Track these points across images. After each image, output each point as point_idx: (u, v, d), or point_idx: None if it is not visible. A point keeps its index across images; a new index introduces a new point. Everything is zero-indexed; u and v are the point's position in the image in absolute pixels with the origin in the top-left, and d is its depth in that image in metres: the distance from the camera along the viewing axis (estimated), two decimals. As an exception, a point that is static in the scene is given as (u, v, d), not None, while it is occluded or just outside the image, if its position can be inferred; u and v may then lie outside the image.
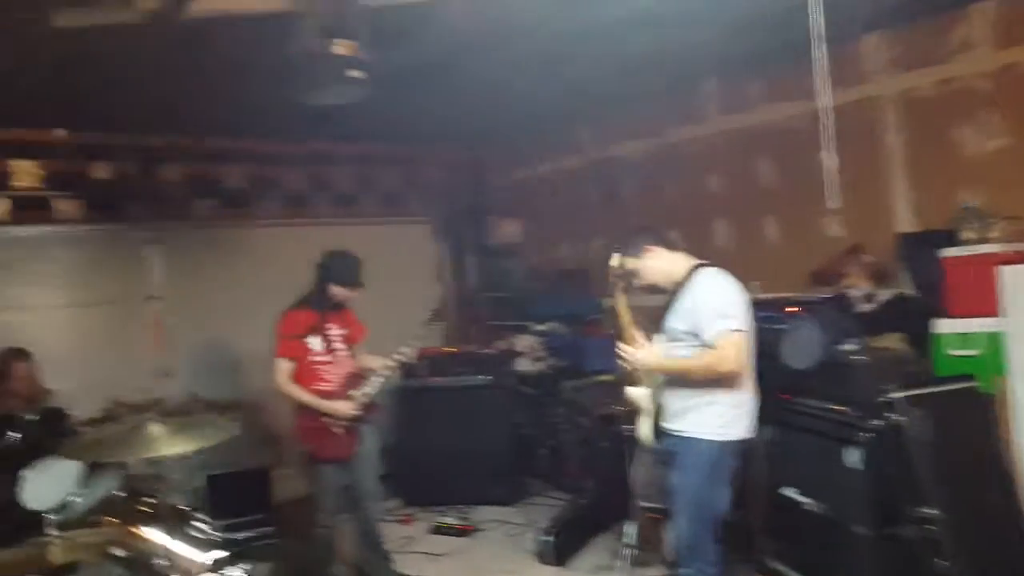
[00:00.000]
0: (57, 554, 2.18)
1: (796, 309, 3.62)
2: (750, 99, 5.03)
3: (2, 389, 4.31)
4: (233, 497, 4.72)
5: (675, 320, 3.07)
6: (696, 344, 2.99)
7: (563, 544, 4.37)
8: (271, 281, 5.83)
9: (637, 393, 3.29)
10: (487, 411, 5.50)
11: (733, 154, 5.20)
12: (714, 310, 2.95)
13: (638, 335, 3.21)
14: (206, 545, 2.85)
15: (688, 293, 3.06)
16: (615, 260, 3.24)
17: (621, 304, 3.24)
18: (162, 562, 2.66)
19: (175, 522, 2.65)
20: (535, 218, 6.95)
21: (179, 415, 3.18)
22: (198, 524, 2.87)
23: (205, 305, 5.68)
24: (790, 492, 3.45)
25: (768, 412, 3.24)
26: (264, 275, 5.87)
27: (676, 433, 3.11)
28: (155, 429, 2.55)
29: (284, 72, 2.94)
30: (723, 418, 3.02)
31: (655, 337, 3.20)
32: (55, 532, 2.23)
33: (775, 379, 3.31)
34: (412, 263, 6.78)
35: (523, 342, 6.35)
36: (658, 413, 3.20)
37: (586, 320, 6.23)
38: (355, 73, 2.82)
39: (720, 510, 3.08)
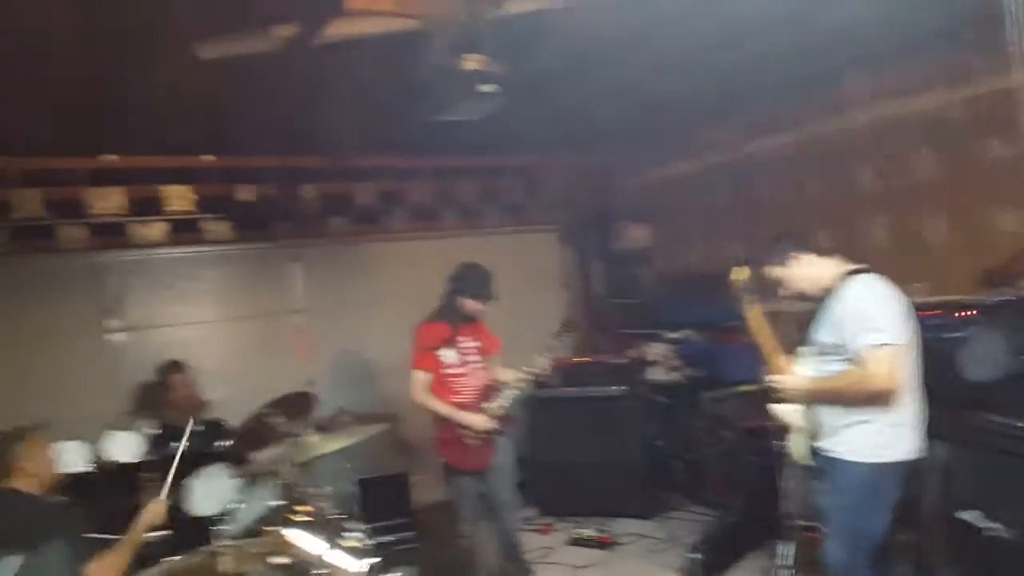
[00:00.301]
0: (227, 563, 2.26)
1: (971, 313, 3.27)
2: (903, 86, 4.65)
3: (162, 399, 4.61)
4: (377, 502, 4.85)
5: (823, 332, 2.87)
6: (845, 358, 2.78)
7: (711, 563, 4.18)
8: (401, 293, 6.01)
9: (785, 410, 3.08)
10: (621, 421, 5.37)
11: (885, 146, 4.82)
12: (862, 322, 2.71)
13: (783, 358, 3.00)
14: (360, 553, 2.89)
15: (837, 303, 2.84)
16: (738, 273, 3.02)
17: (755, 321, 3.00)
18: (321, 570, 2.72)
19: (331, 530, 2.70)
20: (664, 222, 6.75)
21: (331, 428, 3.27)
22: (353, 532, 2.93)
23: (342, 317, 5.88)
24: (970, 516, 3.12)
25: (942, 428, 2.95)
26: (394, 287, 6.04)
27: (828, 454, 2.91)
28: (312, 439, 2.62)
29: (414, 90, 2.95)
30: (879, 438, 2.79)
31: (802, 350, 2.98)
32: (225, 541, 2.30)
33: (949, 391, 3.01)
34: (538, 272, 6.75)
35: (655, 350, 6.18)
36: (812, 430, 2.98)
37: (722, 327, 5.99)
38: (487, 87, 2.80)
39: (877, 536, 2.86)
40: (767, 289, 3.15)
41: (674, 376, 5.99)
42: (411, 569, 4.71)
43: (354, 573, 2.83)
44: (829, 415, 2.89)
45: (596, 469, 5.33)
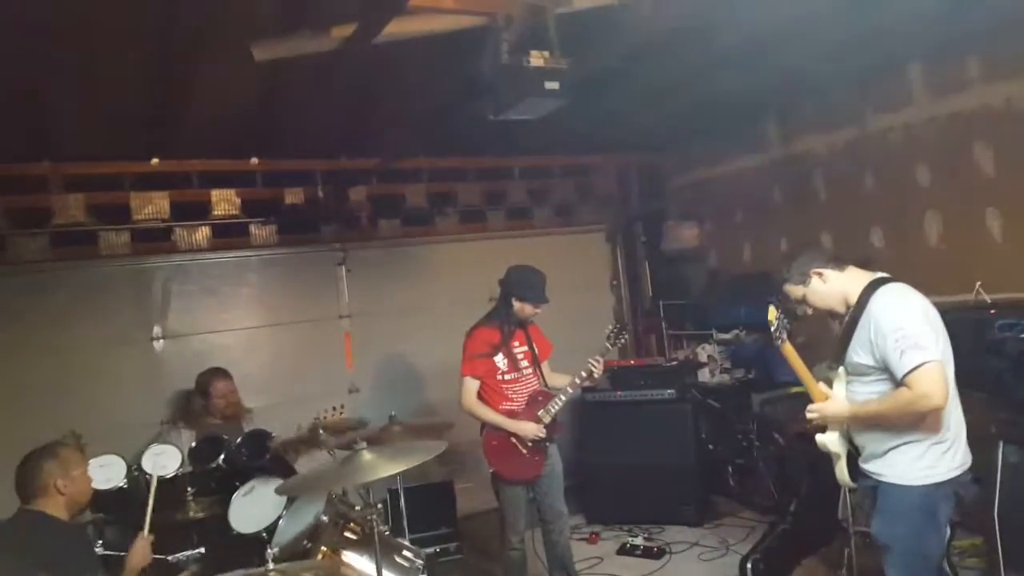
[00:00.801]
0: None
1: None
2: (964, 80, 4.43)
3: (204, 407, 4.56)
4: (421, 511, 4.75)
5: (857, 352, 2.63)
6: (884, 378, 2.59)
7: (768, 571, 4.01)
8: (450, 295, 5.94)
9: (828, 439, 2.85)
10: (672, 426, 5.22)
11: (945, 142, 4.60)
12: (902, 341, 2.50)
13: (821, 386, 2.79)
14: (412, 573, 2.80)
15: (867, 319, 2.62)
16: (772, 313, 2.80)
17: (791, 356, 2.82)
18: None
19: (383, 550, 2.60)
20: (715, 221, 6.57)
21: (384, 440, 3.17)
22: (405, 553, 2.83)
23: (389, 321, 5.81)
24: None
25: (1013, 431, 2.75)
26: (443, 290, 5.97)
27: (877, 478, 2.73)
28: (367, 456, 2.52)
29: (475, 89, 2.84)
30: (927, 458, 2.61)
31: (838, 372, 2.77)
32: (271, 565, 2.21)
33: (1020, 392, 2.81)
34: (587, 273, 6.62)
35: (705, 352, 6.01)
36: (851, 454, 2.83)
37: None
38: (551, 84, 2.68)
39: (937, 555, 2.71)
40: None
41: (724, 378, 5.82)
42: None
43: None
44: (871, 439, 2.72)
45: (645, 475, 5.18)
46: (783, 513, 4.53)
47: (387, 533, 3.07)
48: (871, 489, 2.77)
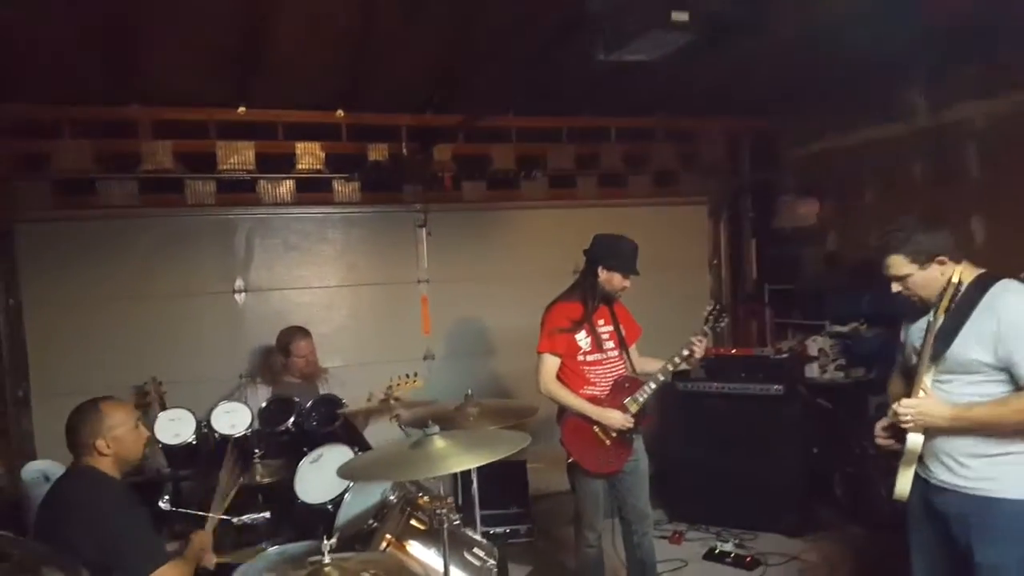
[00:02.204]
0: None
1: None
2: None
3: (284, 365, 4.41)
4: (491, 489, 4.42)
5: (972, 347, 2.31)
6: (998, 379, 2.33)
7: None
8: (533, 266, 5.59)
9: (919, 440, 2.40)
10: (776, 425, 4.70)
11: None
12: None
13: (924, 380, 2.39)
14: (479, 573, 2.48)
15: (990, 314, 2.30)
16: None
17: None
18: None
19: (453, 543, 2.30)
20: (837, 198, 5.88)
21: (458, 422, 2.84)
22: (477, 551, 2.52)
23: (468, 288, 5.52)
24: None
25: None
26: (526, 260, 5.64)
27: (970, 492, 2.38)
28: (440, 444, 2.21)
29: (584, 20, 2.44)
30: None
31: (927, 366, 2.38)
32: (327, 558, 1.94)
33: None
34: (683, 250, 6.10)
35: (816, 345, 5.41)
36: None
37: (900, 322, 5.15)
38: (680, 16, 2.26)
39: None
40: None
41: (837, 376, 5.23)
42: (526, 569, 4.34)
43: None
44: (963, 447, 2.38)
45: (740, 476, 4.69)
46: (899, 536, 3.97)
47: (457, 522, 2.75)
48: (948, 508, 2.43)
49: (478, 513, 3.10)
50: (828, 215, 5.96)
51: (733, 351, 4.91)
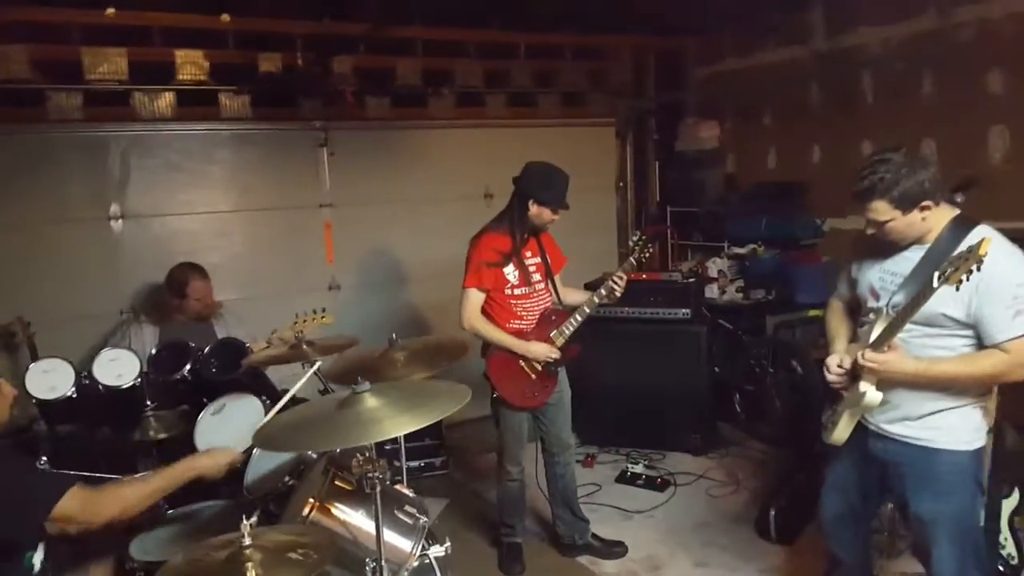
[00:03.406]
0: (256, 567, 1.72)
1: None
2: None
3: (176, 305, 4.03)
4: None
5: (940, 302, 2.13)
6: (964, 334, 2.22)
7: (792, 521, 3.69)
8: (442, 188, 5.37)
9: (873, 393, 2.29)
10: (682, 348, 4.79)
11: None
12: (1019, 300, 2.11)
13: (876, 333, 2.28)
14: (412, 532, 2.38)
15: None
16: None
17: None
18: (360, 553, 2.21)
19: (384, 500, 2.15)
20: (739, 120, 5.95)
21: (385, 371, 2.63)
22: (408, 508, 2.40)
23: (374, 213, 5.23)
24: None
25: None
26: (435, 181, 5.40)
27: (911, 442, 2.34)
28: (372, 403, 2.01)
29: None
30: (974, 419, 2.32)
31: (882, 316, 2.29)
32: (248, 538, 1.74)
33: None
34: (592, 171, 6.00)
35: (716, 267, 5.54)
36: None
37: (798, 244, 5.35)
38: None
39: (980, 528, 2.48)
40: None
41: (737, 297, 5.40)
42: (443, 503, 4.31)
43: (405, 555, 2.32)
44: (912, 398, 2.31)
45: (647, 398, 4.78)
46: (802, 453, 4.21)
47: (397, 490, 2.59)
48: (887, 456, 2.40)
49: (404, 465, 2.98)
50: (728, 137, 6.03)
51: (643, 276, 4.93)
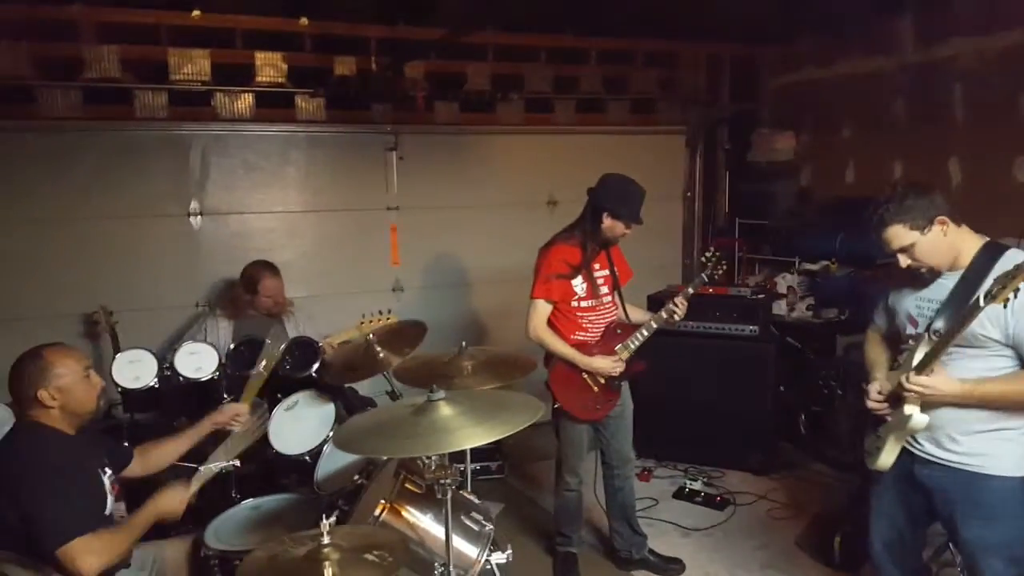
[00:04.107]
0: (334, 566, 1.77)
1: None
2: None
3: (248, 301, 4.14)
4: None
5: (981, 323, 2.19)
6: (1005, 354, 2.26)
7: (854, 545, 3.57)
8: (508, 194, 5.39)
9: (923, 421, 2.32)
10: (747, 364, 4.69)
11: None
12: None
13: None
14: (479, 538, 2.39)
15: None
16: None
17: None
18: (427, 556, 2.23)
19: (453, 506, 2.18)
20: (815, 132, 5.79)
21: (455, 378, 2.67)
22: (474, 515, 2.42)
23: (439, 217, 5.26)
24: None
25: None
26: (501, 187, 5.43)
27: (959, 467, 2.34)
28: (447, 411, 2.04)
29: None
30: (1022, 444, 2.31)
31: (917, 336, 2.35)
32: (326, 537, 1.80)
33: None
34: (660, 180, 5.92)
35: (785, 282, 5.41)
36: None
37: (874, 263, 5.17)
38: None
39: None
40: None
41: (807, 316, 5.26)
42: (498, 507, 4.32)
43: (472, 561, 2.34)
44: (959, 420, 2.32)
45: (708, 413, 4.69)
46: (869, 478, 4.06)
47: (466, 496, 2.63)
48: (933, 482, 2.39)
49: (469, 470, 3.01)
50: (803, 150, 5.88)
51: (710, 290, 4.85)
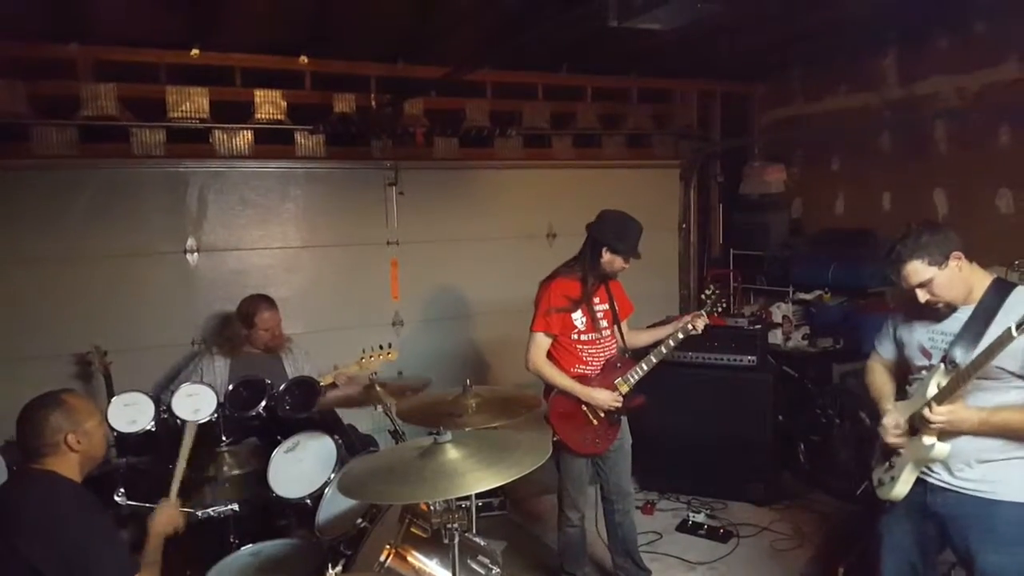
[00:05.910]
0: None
1: None
2: None
3: (246, 336, 4.11)
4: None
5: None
6: (1020, 386, 2.31)
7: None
8: (508, 228, 5.43)
9: (944, 450, 2.36)
10: (747, 396, 4.70)
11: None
12: None
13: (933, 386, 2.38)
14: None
15: (1011, 320, 2.19)
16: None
17: None
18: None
19: (460, 550, 2.16)
20: (806, 165, 5.89)
21: (461, 417, 2.66)
22: (481, 558, 2.40)
23: (439, 251, 5.28)
24: None
25: None
26: (500, 221, 5.46)
27: (972, 494, 2.38)
28: (453, 454, 2.03)
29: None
30: None
31: (932, 367, 2.42)
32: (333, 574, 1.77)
33: None
34: (655, 213, 5.96)
35: (780, 312, 5.45)
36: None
37: (866, 293, 5.22)
38: None
39: None
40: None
41: (802, 344, 5.29)
42: (501, 545, 4.27)
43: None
44: (970, 448, 2.36)
45: (709, 445, 4.70)
46: (870, 507, 4.06)
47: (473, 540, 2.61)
48: (947, 509, 2.42)
49: (474, 514, 2.98)
50: (794, 182, 5.96)
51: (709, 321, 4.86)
